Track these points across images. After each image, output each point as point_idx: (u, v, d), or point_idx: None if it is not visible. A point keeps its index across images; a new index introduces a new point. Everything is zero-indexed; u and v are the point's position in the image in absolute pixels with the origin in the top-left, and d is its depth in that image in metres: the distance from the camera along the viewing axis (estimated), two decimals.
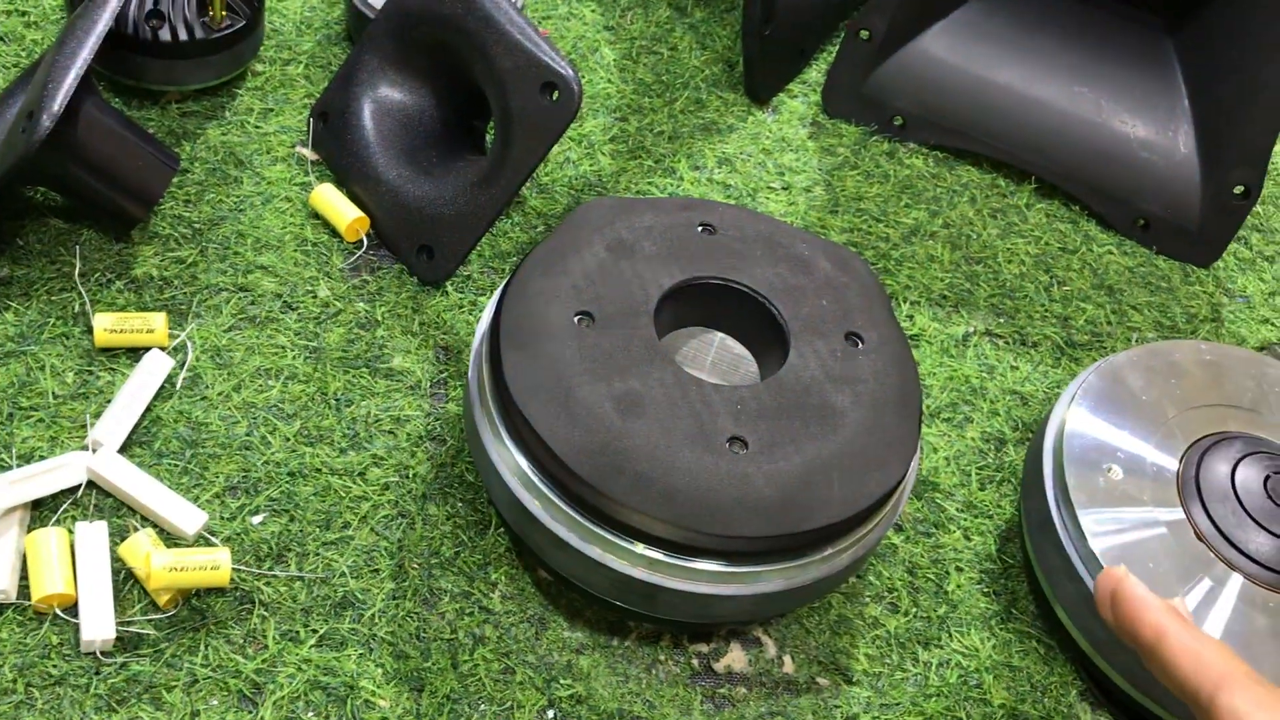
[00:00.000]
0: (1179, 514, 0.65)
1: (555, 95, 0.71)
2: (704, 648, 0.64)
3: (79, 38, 0.67)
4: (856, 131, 0.94)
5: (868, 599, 0.68)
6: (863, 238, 0.87)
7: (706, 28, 0.99)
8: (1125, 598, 0.50)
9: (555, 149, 0.86)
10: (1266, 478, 0.65)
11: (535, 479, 0.58)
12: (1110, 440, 0.68)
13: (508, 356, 0.60)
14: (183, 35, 0.78)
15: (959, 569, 0.70)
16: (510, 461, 0.59)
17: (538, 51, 0.72)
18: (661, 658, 0.64)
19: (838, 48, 0.95)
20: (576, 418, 0.57)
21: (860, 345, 0.63)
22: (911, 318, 0.82)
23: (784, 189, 0.89)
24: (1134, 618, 0.49)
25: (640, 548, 0.57)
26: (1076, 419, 0.69)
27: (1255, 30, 0.88)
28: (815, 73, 0.98)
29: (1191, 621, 0.49)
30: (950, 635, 0.67)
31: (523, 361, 0.59)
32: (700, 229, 0.67)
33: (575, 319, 0.61)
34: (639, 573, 0.58)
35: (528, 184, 0.84)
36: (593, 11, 0.97)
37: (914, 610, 0.68)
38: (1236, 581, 0.63)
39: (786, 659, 0.65)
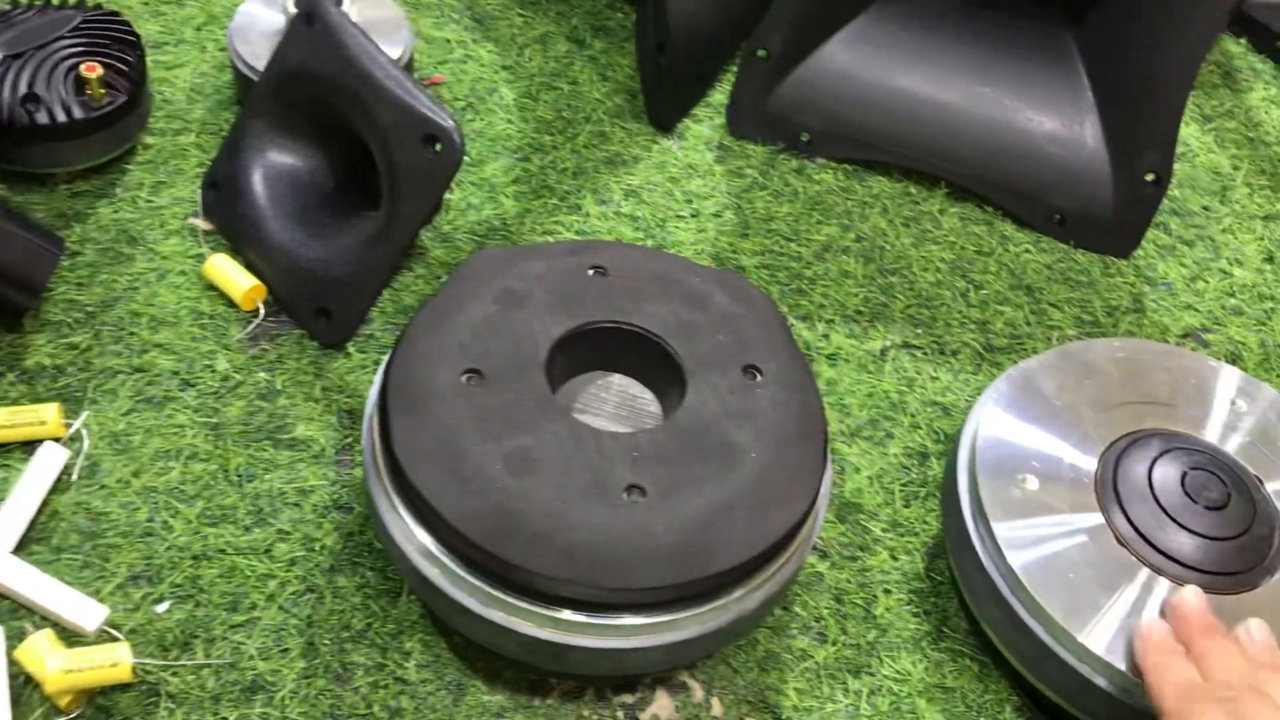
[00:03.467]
0: (1099, 519, 0.64)
1: (438, 147, 0.70)
2: (629, 698, 0.63)
3: None
4: (764, 151, 0.93)
5: (795, 631, 0.67)
6: (775, 259, 0.86)
7: (607, 59, 0.98)
8: None
9: (456, 195, 0.85)
10: (1183, 474, 0.64)
11: (432, 546, 0.57)
12: (1025, 448, 0.67)
13: (396, 422, 0.58)
14: (60, 117, 0.76)
15: (887, 591, 0.69)
16: (406, 530, 0.58)
17: (416, 105, 0.70)
18: (586, 713, 0.62)
19: (738, 69, 0.94)
20: (467, 481, 0.56)
21: (759, 377, 0.62)
22: (827, 336, 0.81)
23: (693, 216, 0.88)
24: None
25: (543, 608, 0.56)
26: (989, 429, 0.68)
27: (1152, 16, 0.88)
28: (719, 95, 0.97)
29: None
30: (881, 661, 0.66)
31: (411, 426, 0.58)
32: (591, 272, 0.66)
33: (463, 378, 0.60)
34: (546, 634, 0.56)
35: (429, 233, 0.82)
36: (489, 52, 0.96)
37: (843, 638, 0.67)
38: (1163, 585, 0.62)
39: (715, 701, 0.64)
